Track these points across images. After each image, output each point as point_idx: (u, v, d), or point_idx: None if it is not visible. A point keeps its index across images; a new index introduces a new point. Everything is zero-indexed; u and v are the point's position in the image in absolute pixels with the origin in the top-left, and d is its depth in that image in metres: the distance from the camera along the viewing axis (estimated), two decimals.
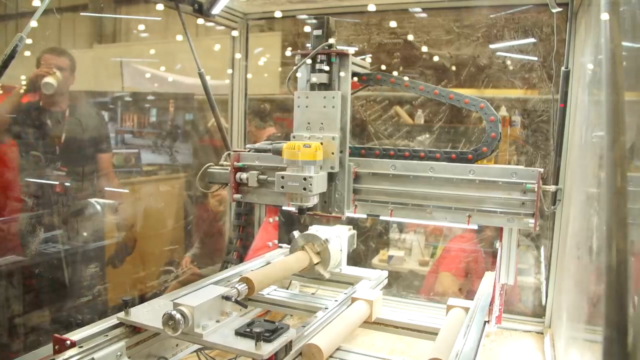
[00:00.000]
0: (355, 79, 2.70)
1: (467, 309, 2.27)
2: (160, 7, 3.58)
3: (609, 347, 1.05)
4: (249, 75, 3.91)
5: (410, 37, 3.73)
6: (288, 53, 4.35)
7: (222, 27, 3.96)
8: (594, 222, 1.83)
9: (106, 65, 4.40)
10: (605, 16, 1.27)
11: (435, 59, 3.70)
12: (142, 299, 2.84)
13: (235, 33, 3.89)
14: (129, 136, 4.43)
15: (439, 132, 3.80)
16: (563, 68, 2.39)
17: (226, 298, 2.01)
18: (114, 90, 4.38)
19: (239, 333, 1.87)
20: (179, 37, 4.00)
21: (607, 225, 1.12)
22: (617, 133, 1.19)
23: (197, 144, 4.45)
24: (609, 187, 1.15)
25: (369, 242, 4.03)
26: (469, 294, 3.52)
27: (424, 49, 3.73)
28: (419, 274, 3.83)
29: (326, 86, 2.59)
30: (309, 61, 2.59)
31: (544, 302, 3.15)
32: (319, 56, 2.56)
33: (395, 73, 2.64)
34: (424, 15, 3.61)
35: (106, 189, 3.53)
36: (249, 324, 1.92)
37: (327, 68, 2.57)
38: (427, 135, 3.90)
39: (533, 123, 3.36)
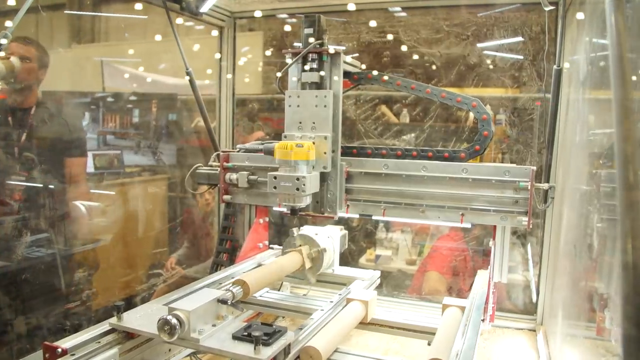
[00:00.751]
0: (336, 77, 2.65)
1: (463, 308, 2.26)
2: (139, 6, 3.51)
3: (628, 346, 1.04)
4: (229, 76, 3.84)
5: (391, 37, 3.71)
6: (268, 53, 4.31)
7: (201, 27, 3.89)
8: (593, 219, 1.82)
9: (86, 65, 4.31)
10: (610, 13, 1.26)
11: (416, 57, 3.69)
12: (128, 303, 2.76)
13: (215, 33, 3.83)
14: (111, 137, 4.35)
15: (429, 131, 3.78)
16: (555, 66, 2.39)
17: (222, 301, 1.95)
18: (94, 90, 4.30)
19: (236, 337, 1.82)
20: (158, 37, 3.94)
21: (622, 223, 1.11)
22: (628, 129, 1.18)
23: (181, 145, 4.38)
24: (622, 184, 1.14)
25: (356, 242, 4.00)
26: (459, 293, 3.52)
27: (404, 48, 3.71)
28: (407, 273, 3.82)
29: (317, 85, 2.56)
30: (289, 60, 2.55)
31: (534, 300, 3.16)
32: (310, 55, 2.53)
33: (375, 72, 2.61)
34: (403, 14, 3.61)
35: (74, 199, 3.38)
36: (246, 328, 1.86)
37: (317, 66, 2.53)
38: (413, 135, 3.89)
39: (523, 121, 3.37)
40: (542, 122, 3.26)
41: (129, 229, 3.99)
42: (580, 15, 2.48)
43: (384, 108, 4.02)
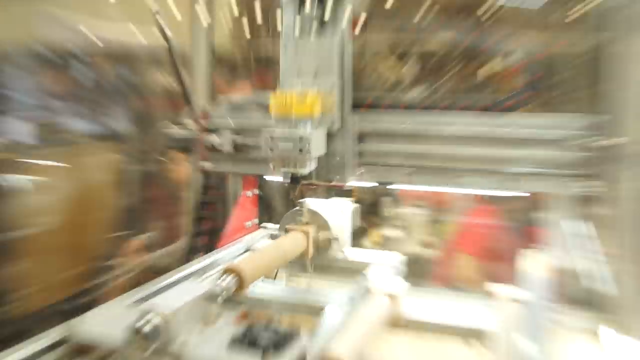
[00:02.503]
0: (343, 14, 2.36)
1: (519, 301, 1.99)
2: None
3: None
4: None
5: None
6: None
7: None
8: None
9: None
10: None
11: None
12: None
13: None
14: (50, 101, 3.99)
15: (438, 86, 3.51)
16: None
17: (211, 298, 1.68)
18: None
19: (235, 345, 1.54)
20: None
21: None
22: None
23: (140, 106, 4.04)
24: None
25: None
26: (498, 281, 3.26)
27: None
28: (424, 258, 3.54)
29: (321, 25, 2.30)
30: None
31: (605, 291, 2.88)
32: None
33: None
34: None
35: None
36: (246, 332, 1.59)
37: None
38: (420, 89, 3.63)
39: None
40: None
41: (71, 212, 3.64)
42: None
43: (384, 59, 3.76)
